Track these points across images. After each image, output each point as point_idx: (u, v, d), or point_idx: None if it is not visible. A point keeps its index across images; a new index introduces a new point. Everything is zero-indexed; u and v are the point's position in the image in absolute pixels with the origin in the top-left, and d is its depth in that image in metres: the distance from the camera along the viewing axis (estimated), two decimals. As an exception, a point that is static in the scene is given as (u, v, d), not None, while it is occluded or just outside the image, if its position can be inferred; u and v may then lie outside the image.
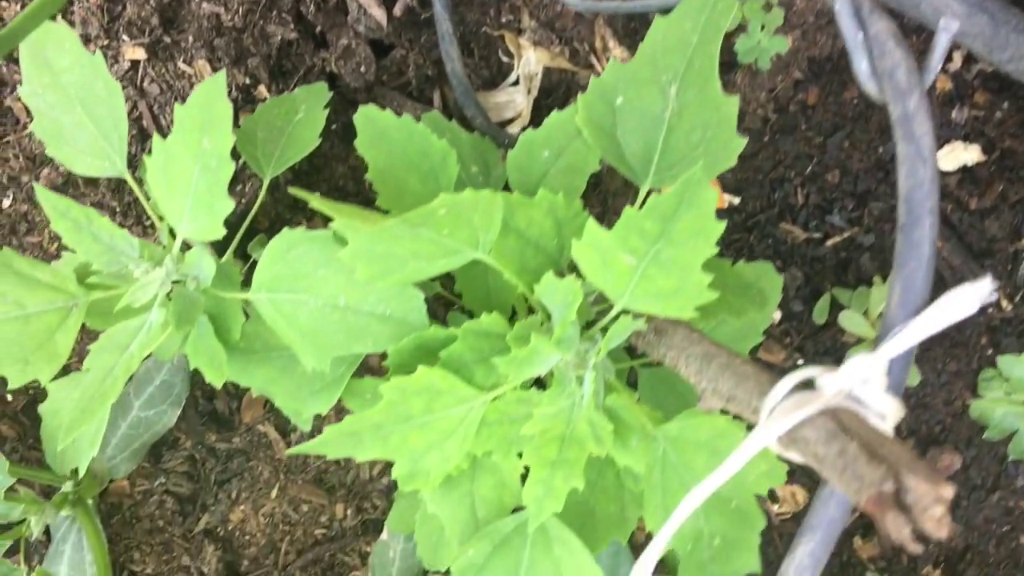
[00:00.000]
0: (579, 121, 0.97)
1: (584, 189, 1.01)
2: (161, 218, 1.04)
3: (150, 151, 1.15)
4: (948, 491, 0.57)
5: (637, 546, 1.27)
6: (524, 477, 0.99)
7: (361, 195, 1.36)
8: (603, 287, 0.84)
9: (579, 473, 0.83)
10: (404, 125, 1.02)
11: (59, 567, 1.22)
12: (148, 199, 1.05)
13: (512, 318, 1.00)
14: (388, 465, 1.43)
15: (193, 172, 0.90)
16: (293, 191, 0.81)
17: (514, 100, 1.33)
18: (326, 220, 1.36)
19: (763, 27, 1.24)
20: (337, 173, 1.35)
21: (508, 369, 0.84)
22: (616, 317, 0.86)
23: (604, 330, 0.90)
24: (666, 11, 0.97)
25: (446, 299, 1.21)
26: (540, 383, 0.95)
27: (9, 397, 1.31)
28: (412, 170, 1.03)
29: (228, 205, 0.90)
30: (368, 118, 1.03)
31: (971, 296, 0.66)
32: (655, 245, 0.78)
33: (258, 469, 1.40)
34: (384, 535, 1.38)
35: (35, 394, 1.33)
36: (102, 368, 0.91)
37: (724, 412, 0.88)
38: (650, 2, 1.02)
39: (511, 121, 1.34)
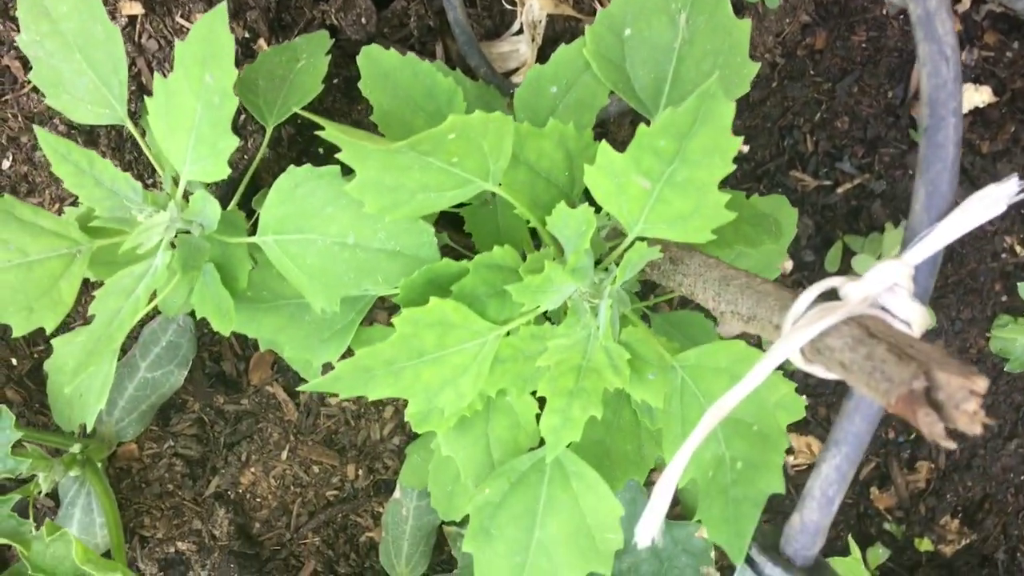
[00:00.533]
0: (587, 53, 0.95)
1: (592, 127, 1.00)
2: (163, 165, 1.02)
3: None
4: (981, 384, 0.55)
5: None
6: (539, 417, 0.98)
7: (365, 150, 1.34)
8: (617, 213, 0.82)
9: (597, 402, 0.81)
10: (409, 64, 1.00)
11: (68, 530, 1.21)
12: (150, 149, 1.04)
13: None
14: (399, 425, 1.42)
15: (195, 110, 0.89)
16: (304, 113, 0.79)
17: (518, 50, 1.31)
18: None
19: (770, -34, 1.22)
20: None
21: (522, 297, 0.82)
22: (631, 245, 0.84)
23: (619, 261, 0.88)
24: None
25: (455, 251, 1.20)
26: (552, 321, 0.93)
27: (14, 361, 1.30)
28: (417, 111, 1.01)
29: (232, 142, 0.88)
30: (372, 58, 1.01)
31: (997, 196, 0.64)
32: (670, 166, 0.76)
33: (267, 431, 1.39)
34: (396, 494, 1.37)
35: (40, 358, 1.31)
36: (108, 312, 0.89)
37: (742, 337, 0.86)
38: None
39: (515, 71, 1.32)
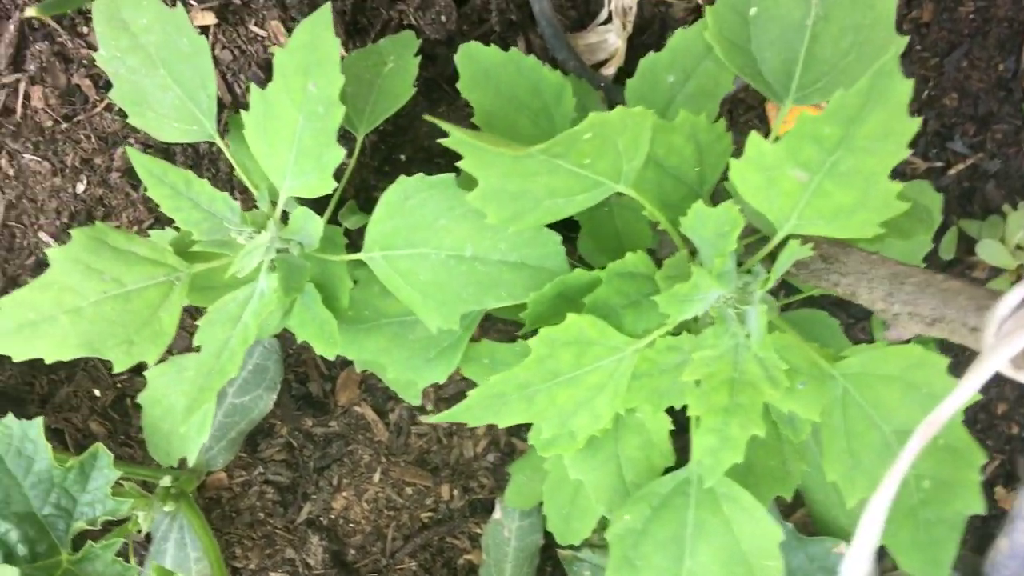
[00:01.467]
0: (709, 36, 0.87)
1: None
2: (255, 184, 0.96)
3: (232, 116, 1.08)
4: None
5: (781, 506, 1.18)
6: (673, 434, 0.91)
7: (447, 155, 1.27)
8: (765, 210, 0.75)
9: (757, 419, 0.74)
10: (512, 60, 0.93)
11: (162, 566, 1.16)
12: (240, 166, 0.98)
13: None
14: (493, 441, 1.36)
15: (297, 121, 0.82)
16: (428, 118, 0.73)
17: (606, 40, 1.24)
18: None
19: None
20: (421, 133, 1.27)
21: (668, 308, 0.75)
22: (780, 244, 0.77)
23: (764, 262, 0.81)
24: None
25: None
26: (684, 330, 0.86)
27: (97, 392, 1.25)
28: (522, 110, 0.94)
29: (339, 154, 0.82)
30: (471, 56, 0.94)
31: None
32: (833, 155, 0.68)
33: (358, 453, 1.33)
34: (496, 514, 1.30)
35: (123, 388, 1.26)
36: (216, 342, 0.83)
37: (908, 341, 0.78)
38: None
39: (604, 63, 1.25)
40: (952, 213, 1.34)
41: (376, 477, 1.34)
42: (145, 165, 0.85)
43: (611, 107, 1.16)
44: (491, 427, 1.34)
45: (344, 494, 1.33)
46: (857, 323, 1.33)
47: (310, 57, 0.80)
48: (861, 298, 0.75)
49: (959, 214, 1.34)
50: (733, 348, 0.77)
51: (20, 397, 1.23)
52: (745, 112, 1.26)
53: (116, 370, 0.85)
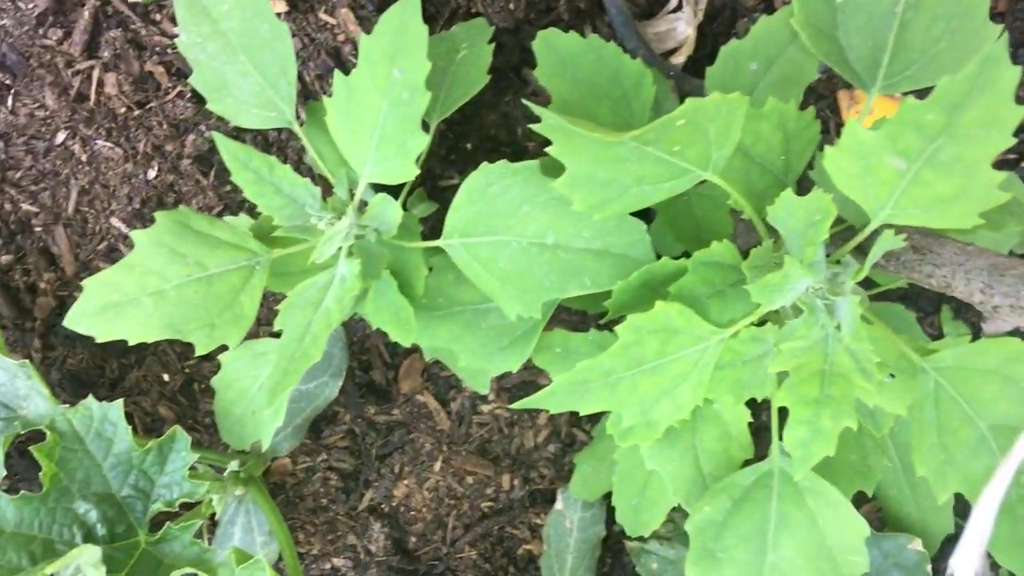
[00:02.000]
0: (795, 23, 0.86)
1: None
2: (331, 170, 0.97)
3: (308, 104, 1.08)
4: None
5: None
6: (751, 426, 0.90)
7: (514, 144, 1.27)
8: (859, 199, 0.74)
9: (849, 411, 0.73)
10: (592, 47, 0.92)
11: (226, 550, 1.17)
12: (312, 153, 0.98)
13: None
14: (554, 431, 1.35)
15: (381, 108, 0.82)
16: (525, 102, 0.72)
17: (675, 28, 1.23)
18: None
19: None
20: (488, 122, 1.26)
21: (760, 297, 0.74)
22: (871, 235, 0.75)
23: (854, 252, 0.79)
24: None
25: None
26: (766, 321, 0.85)
27: (166, 377, 1.26)
28: (602, 98, 0.93)
29: (422, 140, 0.82)
30: (549, 43, 0.94)
31: None
32: (934, 143, 0.67)
33: (419, 441, 1.33)
34: (558, 504, 1.30)
35: (191, 373, 1.28)
36: (297, 327, 0.84)
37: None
38: None
39: (673, 51, 1.23)
40: (1026, 207, 1.31)
41: (437, 466, 1.34)
42: (231, 150, 0.86)
43: (681, 96, 1.16)
44: (552, 417, 1.34)
45: (405, 482, 1.34)
46: (925, 317, 1.31)
47: (397, 42, 0.80)
48: (957, 290, 0.74)
49: (1033, 208, 1.31)
50: (823, 339, 0.76)
51: (91, 381, 1.25)
52: (816, 101, 1.24)
53: (198, 353, 0.86)
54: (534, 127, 0.72)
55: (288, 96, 0.93)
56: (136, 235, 0.86)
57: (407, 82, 0.80)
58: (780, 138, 0.83)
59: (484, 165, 0.85)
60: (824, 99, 1.25)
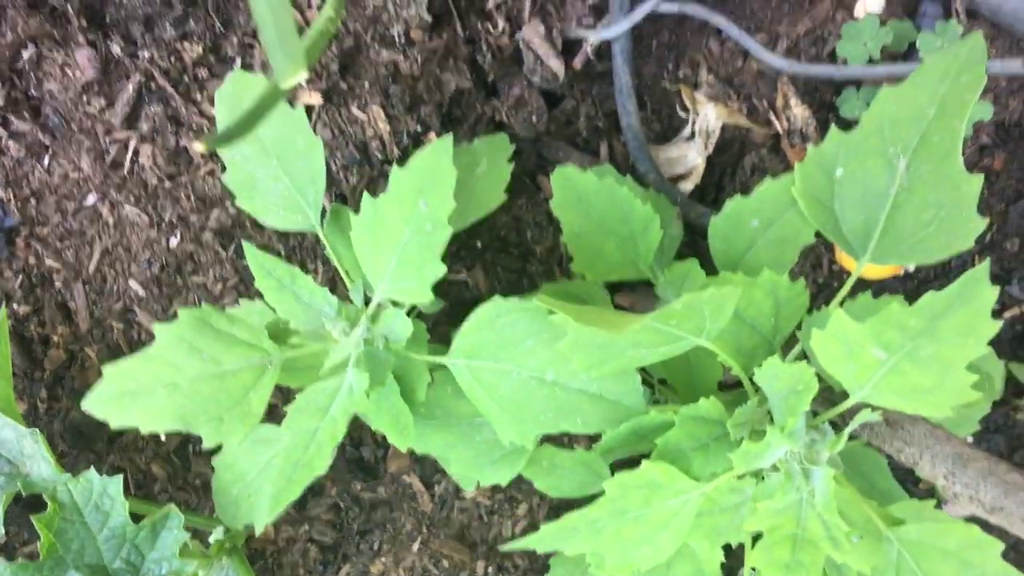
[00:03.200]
0: (795, 191, 0.92)
1: (793, 266, 0.97)
2: (351, 276, 1.02)
3: (332, 208, 1.13)
4: None
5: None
6: (723, 566, 0.94)
7: (523, 246, 1.33)
8: (840, 378, 0.79)
9: (816, 577, 0.77)
10: (606, 189, 0.98)
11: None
12: (331, 255, 1.03)
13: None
14: (532, 524, 1.39)
15: (403, 233, 0.88)
16: (539, 300, 0.77)
17: (686, 156, 1.29)
18: (487, 269, 1.34)
19: (963, 92, 1.18)
20: (499, 223, 1.32)
21: (740, 462, 0.79)
22: (850, 409, 0.81)
23: (833, 422, 0.85)
24: (893, 81, 0.93)
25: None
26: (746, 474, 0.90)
27: (162, 437, 1.30)
28: (609, 235, 0.99)
29: (440, 270, 0.87)
30: (566, 179, 1.00)
31: None
32: (915, 341, 0.72)
33: (401, 521, 1.37)
34: (529, 598, 1.34)
35: (187, 436, 1.31)
36: (304, 433, 0.88)
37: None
38: (876, 71, 0.97)
39: (682, 177, 1.30)
40: (1003, 356, 1.37)
41: (416, 546, 1.37)
42: (257, 259, 0.91)
43: (686, 221, 1.21)
44: (531, 510, 1.38)
45: (383, 559, 1.37)
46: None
47: (426, 179, 0.85)
48: (923, 471, 0.79)
49: (1010, 357, 1.37)
50: (797, 503, 0.81)
51: (91, 434, 1.29)
52: (815, 248, 1.30)
53: (205, 445, 0.90)
54: (552, 317, 0.77)
55: (315, 203, 0.98)
56: (158, 328, 0.90)
57: (431, 216, 0.85)
58: (771, 304, 0.88)
59: (496, 298, 0.90)
60: (819, 237, 1.31)
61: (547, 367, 0.88)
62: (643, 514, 0.81)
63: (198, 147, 0.55)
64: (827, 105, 1.29)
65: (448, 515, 1.38)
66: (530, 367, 0.88)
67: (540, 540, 0.81)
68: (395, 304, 0.96)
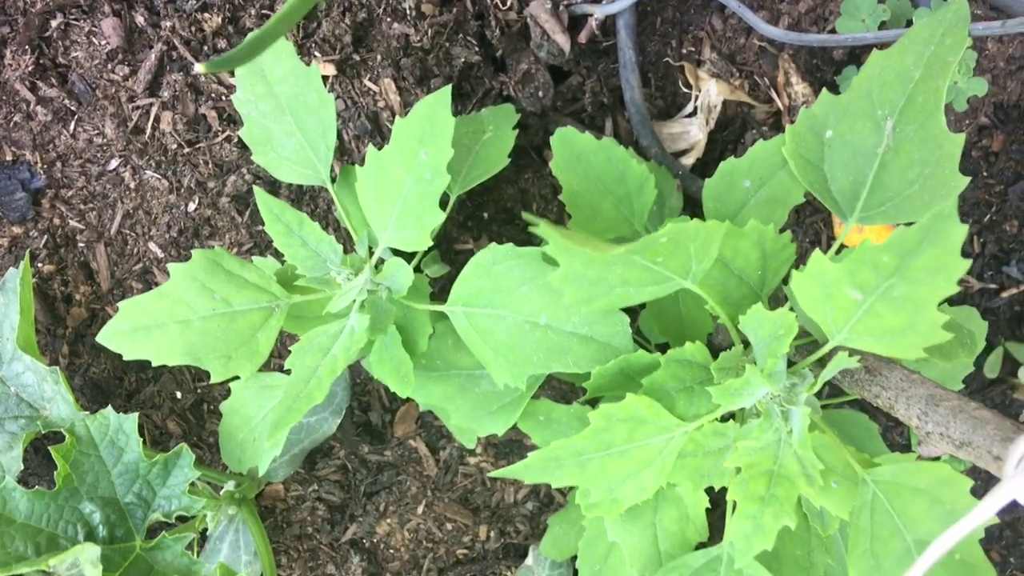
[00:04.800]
0: (786, 152, 0.95)
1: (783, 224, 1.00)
2: (355, 228, 1.06)
3: (344, 166, 1.18)
4: None
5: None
6: (708, 511, 0.97)
7: (528, 218, 1.36)
8: (820, 321, 0.82)
9: (790, 511, 0.80)
10: (603, 148, 1.02)
11: (212, 564, 1.24)
12: (339, 210, 1.07)
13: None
14: (533, 490, 1.43)
15: (405, 183, 0.92)
16: (526, 216, 0.81)
17: (688, 131, 1.32)
18: (492, 239, 1.37)
19: (960, 69, 1.21)
20: (506, 195, 1.36)
21: (720, 399, 0.82)
22: (830, 353, 0.83)
23: (812, 367, 0.87)
24: (883, 46, 0.96)
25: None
26: (730, 417, 0.93)
27: (178, 395, 1.35)
28: (606, 194, 1.03)
29: (439, 217, 0.91)
30: (566, 140, 1.03)
31: None
32: (888, 280, 0.75)
33: (406, 484, 1.41)
34: (529, 560, 1.37)
35: (202, 394, 1.36)
36: (306, 369, 0.92)
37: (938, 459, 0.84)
38: (866, 37, 1.00)
39: (684, 152, 1.33)
40: (1001, 334, 1.39)
41: (420, 509, 1.41)
42: (267, 203, 0.95)
43: (686, 194, 1.25)
44: (533, 477, 1.42)
45: (388, 521, 1.41)
46: (897, 427, 1.38)
47: (426, 129, 0.89)
48: (898, 412, 0.82)
49: (1007, 336, 1.39)
50: (775, 442, 0.84)
51: (110, 390, 1.34)
52: (811, 215, 1.33)
53: (213, 381, 0.94)
54: (532, 230, 0.81)
55: (326, 158, 1.03)
56: (173, 267, 0.95)
57: (431, 164, 0.90)
58: (758, 255, 0.91)
59: (492, 245, 0.93)
60: (819, 212, 1.34)
61: (540, 311, 0.91)
62: (627, 449, 0.85)
63: (199, 68, 0.59)
64: (828, 83, 1.32)
65: (452, 479, 1.42)
66: (524, 312, 0.92)
67: (527, 469, 0.85)
68: (397, 253, 1.01)
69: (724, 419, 0.89)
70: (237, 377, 0.96)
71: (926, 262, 0.73)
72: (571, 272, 0.84)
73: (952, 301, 1.39)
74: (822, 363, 0.86)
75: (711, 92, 1.30)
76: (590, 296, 0.84)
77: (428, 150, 0.89)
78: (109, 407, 1.04)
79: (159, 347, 0.95)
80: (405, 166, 0.91)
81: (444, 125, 0.88)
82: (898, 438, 1.37)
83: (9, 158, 1.29)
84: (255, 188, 0.97)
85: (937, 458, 0.83)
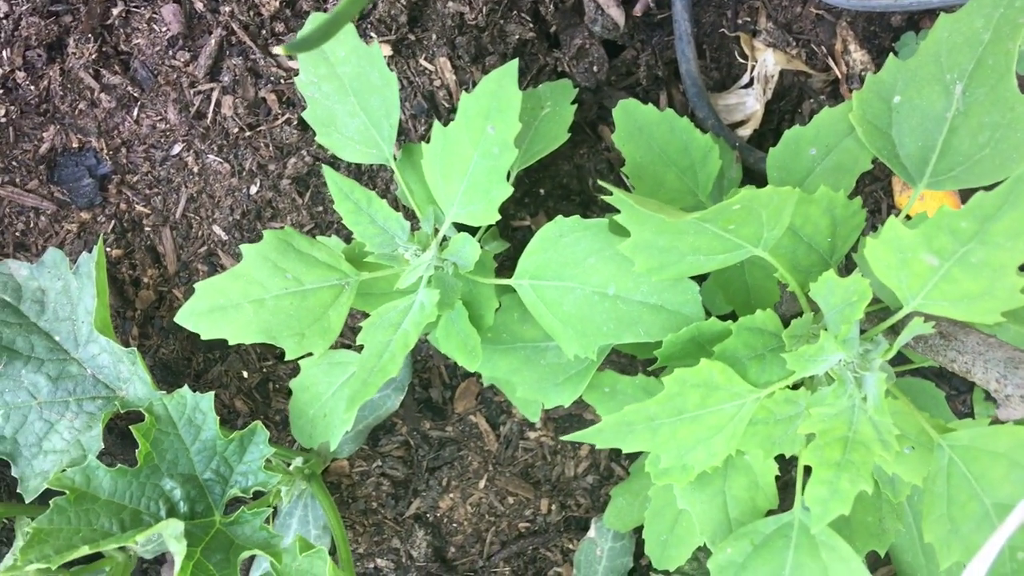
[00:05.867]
0: (853, 118, 0.95)
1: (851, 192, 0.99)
2: (419, 206, 1.07)
3: (405, 144, 1.19)
4: None
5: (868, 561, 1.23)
6: (778, 479, 0.98)
7: (583, 194, 1.37)
8: (894, 287, 0.82)
9: (866, 476, 0.81)
10: (666, 120, 1.02)
11: (286, 538, 1.27)
12: (403, 188, 1.09)
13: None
14: (593, 464, 1.44)
15: (471, 158, 0.93)
16: (602, 183, 0.82)
17: (745, 102, 1.32)
18: (549, 216, 1.38)
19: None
20: (562, 171, 1.36)
21: (794, 365, 0.82)
22: (904, 319, 0.83)
23: (886, 333, 0.87)
24: (949, 9, 0.95)
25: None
26: (800, 385, 0.93)
27: (245, 374, 1.38)
28: (670, 165, 1.03)
29: (506, 191, 0.92)
30: (628, 112, 1.04)
31: None
32: (966, 246, 0.75)
33: (468, 459, 1.43)
34: (591, 532, 1.38)
35: (267, 373, 1.39)
36: (377, 344, 0.94)
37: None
38: (931, 2, 0.99)
39: (741, 124, 1.32)
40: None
41: (482, 483, 1.43)
42: (337, 182, 0.97)
43: (744, 166, 1.25)
44: (592, 451, 1.43)
45: (451, 495, 1.43)
46: (959, 395, 1.37)
47: (492, 103, 0.90)
48: (976, 376, 0.81)
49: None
50: (849, 408, 0.84)
51: (178, 370, 1.37)
52: (871, 183, 1.32)
53: (288, 357, 0.96)
54: (605, 198, 0.81)
55: (389, 137, 1.04)
56: (245, 248, 0.97)
57: (498, 139, 0.90)
58: (828, 222, 0.91)
59: (559, 218, 0.94)
60: (879, 181, 1.33)
61: (609, 282, 0.92)
62: (699, 415, 0.85)
63: (278, 50, 0.60)
64: (887, 50, 1.31)
65: (513, 454, 1.44)
66: (593, 283, 0.93)
67: (599, 433, 0.86)
68: (463, 229, 1.02)
69: (795, 387, 0.90)
70: (310, 354, 0.98)
71: (1006, 226, 0.73)
72: (642, 241, 0.84)
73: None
74: (895, 330, 0.86)
75: (768, 62, 1.29)
76: (661, 265, 0.85)
77: (495, 124, 0.90)
78: (186, 386, 1.07)
79: (235, 326, 0.97)
80: (472, 141, 0.92)
81: (511, 99, 0.89)
82: (961, 407, 1.36)
83: (76, 145, 1.32)
84: (324, 168, 0.98)
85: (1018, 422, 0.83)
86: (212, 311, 0.97)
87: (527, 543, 1.44)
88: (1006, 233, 0.73)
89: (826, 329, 0.87)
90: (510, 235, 1.36)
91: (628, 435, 0.87)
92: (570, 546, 1.44)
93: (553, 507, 1.44)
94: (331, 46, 1.05)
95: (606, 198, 0.82)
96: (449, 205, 0.97)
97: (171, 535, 0.95)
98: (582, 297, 0.93)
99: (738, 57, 1.33)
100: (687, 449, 0.88)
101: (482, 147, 0.92)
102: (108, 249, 1.33)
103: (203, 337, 0.97)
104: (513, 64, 0.89)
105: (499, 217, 0.94)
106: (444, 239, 1.02)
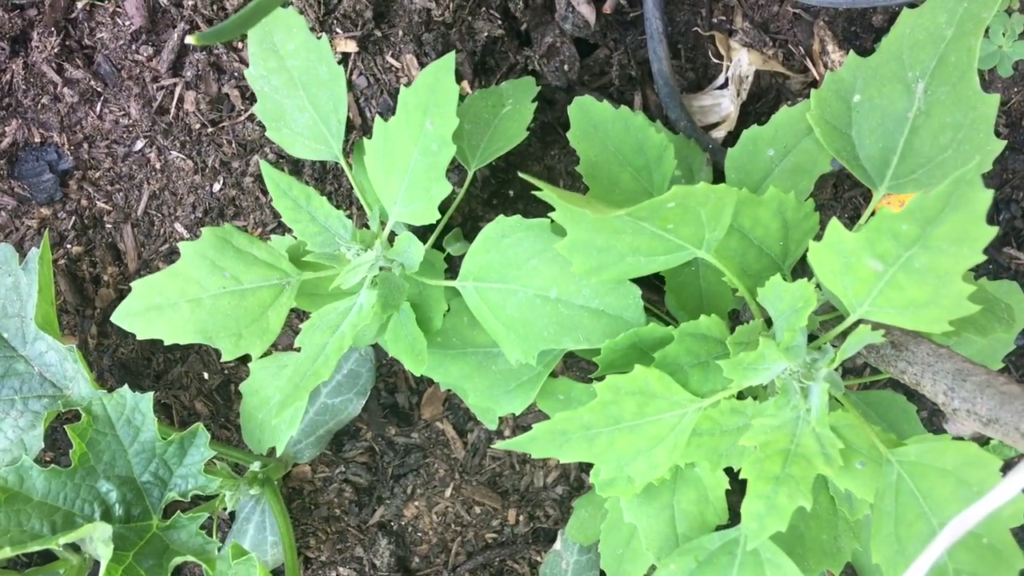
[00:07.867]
0: (811, 118, 0.91)
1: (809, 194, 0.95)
2: (370, 204, 1.04)
3: (358, 140, 1.16)
4: None
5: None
6: (728, 493, 0.93)
7: (555, 196, 1.33)
8: (840, 294, 0.77)
9: (806, 491, 0.76)
10: (621, 118, 0.98)
11: (241, 545, 1.24)
12: (359, 187, 1.06)
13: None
14: (563, 474, 1.40)
15: (412, 154, 0.90)
16: (522, 175, 0.79)
17: (720, 104, 1.28)
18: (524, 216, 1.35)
19: (1005, 32, 1.14)
20: (532, 172, 1.33)
21: (732, 373, 0.78)
22: (852, 327, 0.79)
23: (835, 341, 0.83)
24: (913, 5, 0.91)
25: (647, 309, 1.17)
26: (753, 397, 0.89)
27: (206, 375, 1.36)
28: (625, 165, 0.99)
29: (445, 189, 0.89)
30: (583, 109, 1.00)
31: None
32: (909, 250, 0.71)
33: (434, 466, 1.40)
34: (557, 545, 1.34)
35: (229, 375, 1.36)
36: (314, 347, 0.91)
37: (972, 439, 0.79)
38: (896, -6, 0.95)
39: (715, 126, 1.28)
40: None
41: (448, 492, 1.40)
42: (273, 177, 0.94)
43: (716, 169, 1.21)
44: (561, 462, 1.39)
45: (416, 503, 1.40)
46: (940, 413, 1.32)
47: (430, 98, 0.87)
48: (925, 388, 0.77)
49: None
50: (793, 420, 0.80)
51: (138, 371, 1.35)
52: (850, 188, 1.28)
53: (224, 359, 0.94)
54: (535, 193, 0.78)
55: (337, 133, 1.01)
56: (183, 246, 0.95)
57: (436, 135, 0.87)
58: (779, 225, 0.87)
59: (501, 217, 0.91)
60: (859, 187, 1.28)
61: (551, 285, 0.89)
62: (637, 424, 0.81)
63: (191, 39, 0.58)
64: (867, 51, 1.26)
65: (480, 462, 1.40)
66: (535, 286, 0.89)
67: (532, 441, 0.82)
68: (413, 230, 0.99)
69: (743, 397, 0.86)
70: (250, 356, 0.95)
71: (948, 230, 0.69)
72: (579, 240, 0.81)
73: (999, 278, 1.33)
74: (845, 338, 0.82)
75: (743, 62, 1.25)
76: (599, 265, 0.81)
77: (433, 120, 0.87)
78: (125, 386, 1.04)
79: (171, 326, 0.94)
80: (412, 137, 0.89)
81: (448, 93, 0.86)
82: (941, 422, 1.31)
83: (37, 140, 1.30)
84: (262, 163, 0.95)
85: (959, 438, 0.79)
86: (148, 310, 0.94)
87: (494, 554, 1.40)
88: (949, 238, 0.69)
89: (774, 338, 0.83)
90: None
91: (564, 444, 0.83)
92: (538, 558, 1.40)
93: (521, 518, 1.40)
94: (281, 39, 1.03)
95: (535, 193, 0.79)
96: (392, 203, 0.94)
97: (98, 538, 0.92)
98: (524, 300, 0.90)
99: (713, 57, 1.29)
100: (627, 460, 0.85)
101: (422, 143, 0.89)
102: (68, 246, 1.31)
103: (139, 337, 0.94)
104: (449, 57, 0.86)
105: (439, 216, 0.91)
106: (392, 237, 0.99)
